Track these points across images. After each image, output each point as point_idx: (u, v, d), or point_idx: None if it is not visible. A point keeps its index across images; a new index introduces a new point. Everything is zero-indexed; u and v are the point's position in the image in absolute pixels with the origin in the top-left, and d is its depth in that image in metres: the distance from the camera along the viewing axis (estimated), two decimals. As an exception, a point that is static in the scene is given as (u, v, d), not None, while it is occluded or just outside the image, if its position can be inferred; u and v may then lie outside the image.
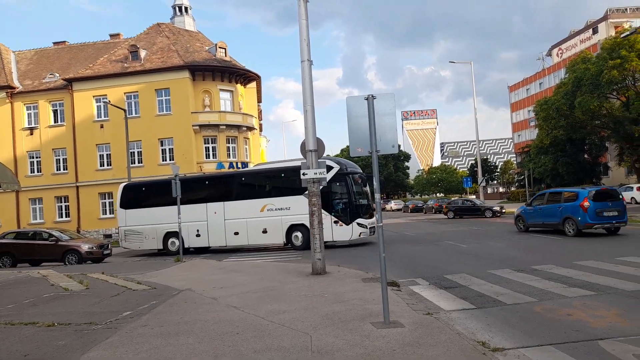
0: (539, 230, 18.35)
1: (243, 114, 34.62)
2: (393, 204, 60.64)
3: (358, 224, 17.52)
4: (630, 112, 34.37)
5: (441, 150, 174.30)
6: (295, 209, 17.29)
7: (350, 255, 15.28)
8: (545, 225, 17.79)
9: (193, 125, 32.04)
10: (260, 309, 7.26)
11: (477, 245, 15.33)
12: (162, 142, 32.51)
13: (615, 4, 68.81)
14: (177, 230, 16.69)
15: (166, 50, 34.04)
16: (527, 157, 54.11)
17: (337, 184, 17.48)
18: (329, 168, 15.99)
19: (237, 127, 33.70)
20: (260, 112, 44.48)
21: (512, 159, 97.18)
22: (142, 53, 33.70)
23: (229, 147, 33.44)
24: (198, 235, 19.42)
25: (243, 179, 20.57)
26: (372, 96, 6.19)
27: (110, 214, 32.16)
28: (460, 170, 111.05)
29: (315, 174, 10.49)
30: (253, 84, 38.31)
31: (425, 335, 5.34)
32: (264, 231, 18.29)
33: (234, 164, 33.15)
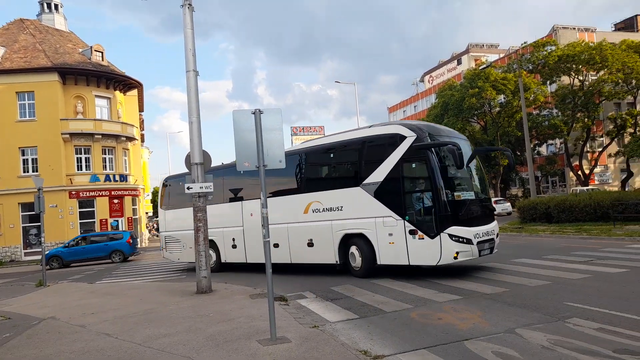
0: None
1: (122, 123, 32.21)
2: None
3: (452, 236, 9.38)
4: (488, 135, 39.31)
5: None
6: (351, 208, 10.78)
7: (238, 271, 14.92)
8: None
9: (62, 134, 28.87)
10: (137, 335, 6.71)
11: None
12: (23, 152, 28.72)
13: (475, 39, 78.66)
14: (214, 237, 13.55)
15: (30, 49, 30.43)
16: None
17: (413, 164, 9.93)
18: (396, 139, 10.00)
19: (116, 137, 31.21)
20: (142, 122, 41.81)
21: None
22: (0, 50, 29.71)
23: (105, 158, 30.77)
24: (234, 247, 13.91)
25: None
26: (260, 111, 6.18)
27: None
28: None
29: (202, 188, 10.11)
30: (134, 92, 35.93)
31: (311, 349, 5.38)
32: (310, 243, 11.64)
33: (111, 177, 30.61)
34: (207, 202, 10.55)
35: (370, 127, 11.35)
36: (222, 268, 14.45)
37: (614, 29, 50.24)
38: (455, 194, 9.64)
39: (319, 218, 11.33)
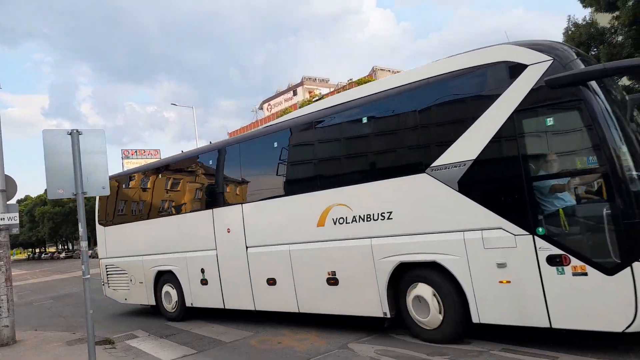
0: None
1: None
2: None
3: None
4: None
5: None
6: (408, 215, 5.93)
7: (51, 313, 12.86)
8: None
9: None
10: None
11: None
12: None
13: (309, 73, 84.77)
14: (172, 267, 9.31)
15: None
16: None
17: (549, 120, 4.92)
18: (508, 70, 5.15)
19: None
20: None
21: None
22: None
23: None
24: (204, 282, 8.68)
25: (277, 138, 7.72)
26: (78, 131, 5.54)
27: None
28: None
29: (3, 219, 8.52)
30: None
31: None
32: (331, 280, 6.73)
33: None
34: (7, 236, 8.87)
35: (451, 57, 5.94)
36: (189, 314, 9.31)
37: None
38: None
39: (345, 233, 6.45)
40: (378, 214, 6.13)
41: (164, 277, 9.60)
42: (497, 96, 5.18)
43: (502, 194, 5.14)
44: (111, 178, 11.55)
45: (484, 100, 5.32)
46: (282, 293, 7.32)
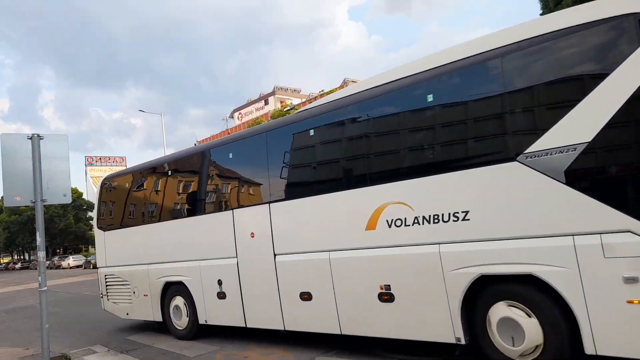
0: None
1: None
2: (71, 260, 52.91)
3: None
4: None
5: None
6: (493, 214, 4.63)
7: (3, 328, 11.69)
8: None
9: None
10: None
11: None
12: None
13: (280, 83, 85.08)
14: (182, 277, 8.00)
15: None
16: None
17: None
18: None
19: None
20: None
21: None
22: None
23: None
24: (221, 295, 7.39)
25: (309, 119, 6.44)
26: (39, 136, 5.22)
27: None
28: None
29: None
30: None
31: None
32: (385, 295, 5.38)
33: None
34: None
35: (554, 14, 4.80)
36: (202, 333, 7.98)
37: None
38: None
39: (404, 238, 5.22)
40: (449, 214, 4.85)
41: (172, 289, 8.30)
42: (623, 59, 3.95)
43: (632, 186, 3.98)
44: (115, 176, 10.42)
45: (604, 65, 4.08)
46: (319, 310, 6.03)
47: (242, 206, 7.13)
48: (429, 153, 5.18)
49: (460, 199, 4.80)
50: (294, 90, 69.56)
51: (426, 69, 5.29)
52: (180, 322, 8.13)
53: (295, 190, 6.51)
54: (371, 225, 5.50)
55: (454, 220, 4.83)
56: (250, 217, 6.94)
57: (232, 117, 73.47)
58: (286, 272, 6.43)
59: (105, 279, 9.80)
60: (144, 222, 8.96)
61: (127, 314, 9.34)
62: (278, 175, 6.73)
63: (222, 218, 7.33)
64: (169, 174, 8.59)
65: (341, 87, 43.34)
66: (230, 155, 7.46)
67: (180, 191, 8.43)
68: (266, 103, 65.75)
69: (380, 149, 5.70)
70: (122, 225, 9.53)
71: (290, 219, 6.46)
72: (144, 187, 9.16)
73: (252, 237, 6.87)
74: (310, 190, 6.27)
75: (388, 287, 5.37)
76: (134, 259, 9.07)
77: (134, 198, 9.40)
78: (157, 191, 8.86)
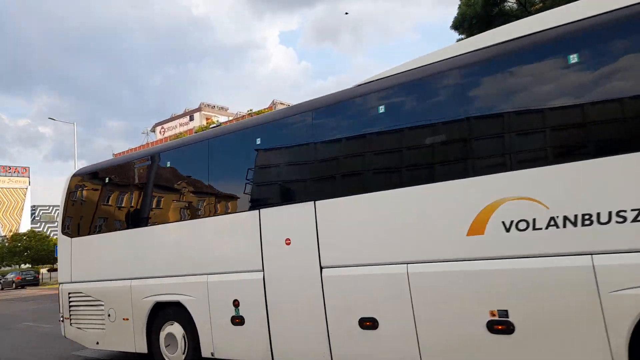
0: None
1: None
2: None
3: None
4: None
5: (32, 214, 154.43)
6: None
7: None
8: None
9: None
10: None
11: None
12: None
13: (207, 99, 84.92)
14: (182, 296, 6.15)
15: None
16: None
17: None
18: None
19: None
20: None
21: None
22: None
23: None
24: (237, 321, 5.54)
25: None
26: None
27: None
28: (54, 237, 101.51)
29: None
30: None
31: None
32: (497, 323, 3.89)
33: None
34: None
35: None
36: None
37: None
38: None
39: (532, 247, 3.81)
40: (610, 212, 3.47)
41: (165, 312, 6.44)
42: None
43: None
44: (90, 171, 8.44)
45: None
46: (390, 343, 4.47)
47: (273, 204, 5.48)
48: (575, 133, 3.79)
49: (630, 192, 3.41)
50: (221, 107, 68.89)
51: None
52: (175, 355, 6.26)
53: (353, 182, 4.99)
54: (477, 229, 4.05)
55: (617, 222, 3.43)
56: (284, 219, 5.30)
57: (153, 130, 71.36)
58: (338, 290, 4.85)
59: (69, 298, 7.76)
60: (127, 227, 7.08)
61: (98, 342, 7.31)
62: (328, 161, 5.18)
63: (243, 220, 5.66)
64: (168, 165, 6.81)
65: (270, 108, 42.95)
66: (259, 141, 5.82)
67: (180, 187, 6.67)
68: (191, 119, 64.63)
69: (490, 130, 4.22)
70: (98, 230, 7.59)
71: (346, 221, 4.89)
72: (130, 183, 7.30)
73: (288, 244, 5.23)
74: (380, 182, 4.74)
75: (504, 313, 3.88)
76: (111, 273, 7.15)
77: (116, 197, 7.50)
78: (148, 188, 7.03)
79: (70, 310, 7.74)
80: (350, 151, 5.09)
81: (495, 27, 4.55)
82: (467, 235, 4.10)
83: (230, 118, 54.95)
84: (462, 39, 15.26)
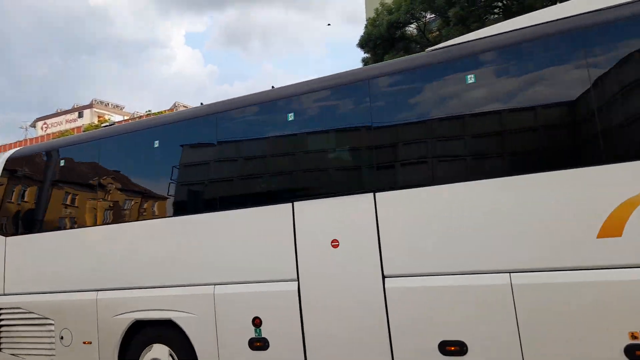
0: None
1: None
2: None
3: None
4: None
5: None
6: None
7: None
8: None
9: None
10: None
11: None
12: None
13: (100, 96, 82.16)
14: (177, 314, 4.37)
15: None
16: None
17: None
18: None
19: None
20: None
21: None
22: None
23: None
24: (258, 345, 4.16)
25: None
26: None
27: None
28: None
29: None
30: None
31: None
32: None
33: None
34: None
35: None
36: None
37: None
38: None
39: None
40: None
41: (147, 334, 5.00)
42: None
43: None
44: (33, 152, 6.67)
45: None
46: None
47: (313, 196, 4.33)
48: None
49: None
50: (116, 106, 65.22)
51: None
52: None
53: (428, 170, 4.00)
54: (612, 230, 3.24)
55: None
56: (329, 214, 4.18)
57: (34, 126, 66.24)
58: (407, 305, 3.84)
59: (0, 315, 5.93)
60: (93, 222, 5.50)
61: None
62: (396, 143, 4.13)
63: (270, 215, 4.44)
64: (155, 145, 5.37)
65: (171, 109, 41.66)
66: (291, 117, 4.63)
67: (177, 172, 5.26)
68: (80, 116, 60.64)
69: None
70: (46, 226, 5.88)
71: (418, 218, 3.88)
72: (101, 166, 5.72)
73: (335, 246, 4.11)
74: (476, 169, 3.80)
75: (652, 336, 3.08)
76: (65, 283, 5.50)
77: (76, 183, 5.86)
78: (125, 172, 5.53)
79: (1, 332, 5.92)
80: (437, 131, 4.03)
81: (397, 49, 3.92)
82: (599, 237, 3.28)
83: (126, 117, 51.97)
84: (367, 57, 16.77)
